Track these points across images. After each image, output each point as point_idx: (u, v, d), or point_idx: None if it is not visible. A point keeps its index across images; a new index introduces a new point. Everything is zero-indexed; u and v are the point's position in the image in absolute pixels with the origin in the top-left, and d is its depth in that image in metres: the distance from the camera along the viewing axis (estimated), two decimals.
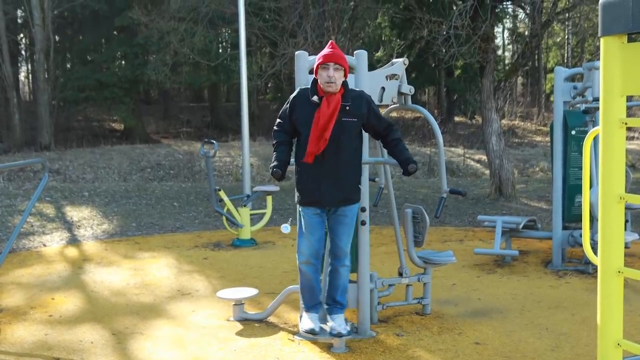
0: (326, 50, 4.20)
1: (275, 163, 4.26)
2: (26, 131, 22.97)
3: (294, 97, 4.36)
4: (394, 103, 5.27)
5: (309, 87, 4.30)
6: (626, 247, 7.32)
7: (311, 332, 4.34)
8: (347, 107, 4.19)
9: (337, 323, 4.37)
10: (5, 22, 22.54)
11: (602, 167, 2.32)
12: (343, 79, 4.20)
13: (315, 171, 4.22)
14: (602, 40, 2.30)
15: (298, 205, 4.44)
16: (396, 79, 5.16)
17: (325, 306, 4.46)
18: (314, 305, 4.42)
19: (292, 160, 4.49)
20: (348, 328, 4.39)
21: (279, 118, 4.43)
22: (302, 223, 4.34)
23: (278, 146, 4.37)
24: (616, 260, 2.33)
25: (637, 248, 7.71)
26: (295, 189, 4.40)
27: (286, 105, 4.40)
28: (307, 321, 4.37)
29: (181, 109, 31.92)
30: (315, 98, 4.19)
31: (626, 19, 2.21)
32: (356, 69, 4.77)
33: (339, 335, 4.35)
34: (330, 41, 4.38)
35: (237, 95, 21.27)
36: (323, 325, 4.42)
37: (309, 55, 4.93)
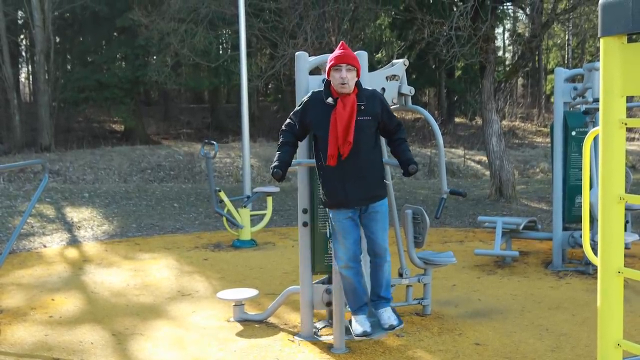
0: (337, 52, 4.17)
1: (276, 163, 4.23)
2: (26, 132, 22.98)
3: (306, 101, 4.33)
4: (394, 104, 5.27)
5: (322, 89, 4.28)
6: (627, 247, 7.32)
7: (364, 334, 4.26)
8: (362, 107, 4.18)
9: (387, 315, 4.30)
10: (5, 23, 22.55)
11: (602, 168, 2.32)
12: (356, 79, 4.19)
13: (337, 173, 4.19)
14: (601, 40, 2.31)
15: (327, 210, 4.41)
16: (396, 80, 5.16)
17: (371, 302, 4.42)
18: (360, 307, 4.37)
19: (293, 161, 4.47)
20: (398, 318, 4.35)
21: (289, 119, 4.39)
22: (335, 228, 4.31)
23: (282, 146, 4.33)
24: (616, 260, 2.33)
25: (637, 249, 7.70)
26: (321, 193, 4.37)
27: (298, 108, 4.36)
28: (357, 325, 4.31)
29: (181, 110, 31.94)
30: (330, 100, 4.17)
31: (626, 19, 2.21)
32: None
33: (392, 327, 4.26)
34: (341, 42, 4.36)
35: (237, 96, 21.27)
36: (373, 325, 4.37)
37: (309, 56, 4.93)
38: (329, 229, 4.43)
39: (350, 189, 4.18)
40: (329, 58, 4.20)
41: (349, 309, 4.43)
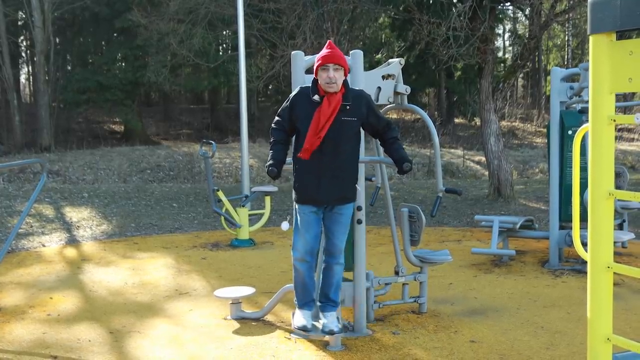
0: (325, 51, 4.20)
1: (271, 162, 4.27)
2: (26, 133, 23.02)
3: (294, 96, 4.37)
4: (390, 103, 5.29)
5: (310, 85, 4.31)
6: (623, 246, 7.34)
7: (303, 328, 4.34)
8: (348, 107, 4.21)
9: (330, 320, 4.37)
10: (5, 24, 22.59)
11: (591, 164, 2.35)
12: (343, 78, 4.22)
13: (314, 169, 4.23)
14: (591, 38, 2.34)
15: (295, 202, 4.44)
16: (392, 79, 5.18)
17: (319, 303, 4.46)
18: (306, 303, 4.42)
19: (289, 159, 4.50)
20: (340, 325, 4.39)
21: (277, 116, 4.43)
22: (298, 220, 4.34)
23: (275, 144, 4.37)
24: (605, 255, 2.36)
25: (634, 247, 7.72)
26: (293, 186, 4.41)
27: (286, 104, 4.40)
28: (299, 318, 4.38)
29: (181, 110, 31.98)
30: (316, 97, 4.20)
31: (614, 17, 2.24)
32: (352, 69, 4.78)
33: (331, 332, 4.35)
34: (328, 41, 4.38)
35: (236, 97, 21.29)
36: (315, 323, 4.42)
37: (306, 55, 4.95)
38: (294, 222, 4.44)
39: (324, 187, 4.21)
40: (317, 57, 4.24)
41: (296, 303, 4.45)
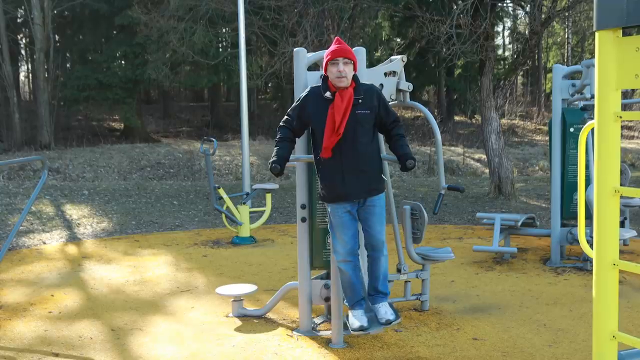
0: (333, 46, 4.21)
1: (274, 158, 4.25)
2: (26, 130, 22.97)
3: (305, 96, 4.36)
4: (393, 100, 5.28)
5: (320, 84, 4.30)
6: (624, 244, 7.33)
7: (361, 329, 4.30)
8: (360, 100, 4.20)
9: (384, 310, 4.32)
10: (5, 21, 22.55)
11: (597, 161, 2.34)
12: (353, 72, 4.21)
13: (336, 166, 4.22)
14: (597, 34, 2.32)
15: (325, 203, 4.43)
16: (394, 76, 5.17)
17: (369, 296, 4.43)
18: (357, 302, 4.39)
19: (291, 157, 4.48)
20: (395, 313, 4.36)
21: (287, 115, 4.41)
22: (333, 222, 4.32)
23: (280, 141, 4.35)
24: (611, 252, 2.35)
25: (636, 245, 7.72)
26: (319, 187, 4.39)
27: (297, 103, 4.39)
28: (354, 320, 4.34)
29: (181, 108, 31.95)
30: (328, 94, 4.19)
31: (621, 13, 2.23)
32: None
33: (388, 322, 4.28)
34: (336, 37, 4.38)
35: (237, 94, 21.27)
36: (370, 318, 4.38)
37: (308, 52, 4.94)
38: (329, 224, 4.44)
39: (349, 182, 4.20)
40: (326, 53, 4.23)
41: (347, 304, 4.44)
